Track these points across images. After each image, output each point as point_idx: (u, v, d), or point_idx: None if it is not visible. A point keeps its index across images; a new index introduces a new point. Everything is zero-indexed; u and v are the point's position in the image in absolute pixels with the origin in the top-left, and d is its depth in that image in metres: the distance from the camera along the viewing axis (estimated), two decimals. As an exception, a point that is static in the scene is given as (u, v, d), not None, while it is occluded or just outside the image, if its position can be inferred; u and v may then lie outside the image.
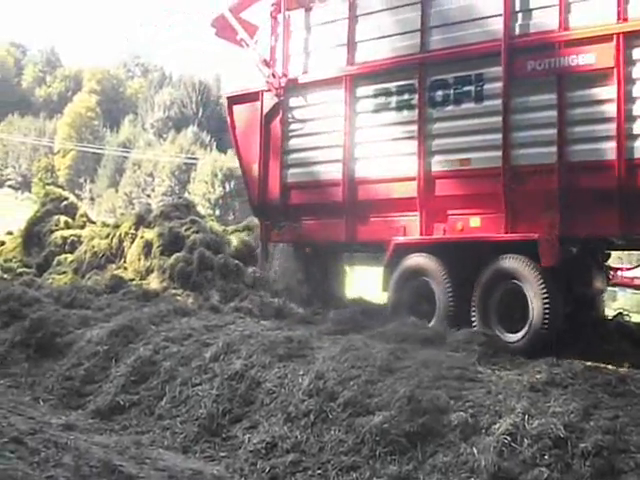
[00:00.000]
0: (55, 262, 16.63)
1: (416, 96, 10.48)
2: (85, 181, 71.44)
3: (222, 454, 7.64)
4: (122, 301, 12.79)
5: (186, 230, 14.97)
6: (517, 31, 9.72)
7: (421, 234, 10.34)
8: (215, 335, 9.88)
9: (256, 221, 15.96)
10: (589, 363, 8.31)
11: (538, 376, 7.63)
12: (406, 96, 10.63)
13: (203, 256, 14.01)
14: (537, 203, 9.41)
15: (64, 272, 15.99)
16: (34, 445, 6.25)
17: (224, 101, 13.31)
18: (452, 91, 10.14)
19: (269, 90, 12.17)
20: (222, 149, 64.91)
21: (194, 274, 13.76)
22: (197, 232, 14.84)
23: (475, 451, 6.44)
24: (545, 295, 9.00)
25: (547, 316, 8.97)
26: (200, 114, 72.49)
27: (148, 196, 63.08)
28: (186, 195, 52.58)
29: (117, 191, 67.53)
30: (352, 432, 7.16)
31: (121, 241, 15.79)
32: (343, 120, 11.23)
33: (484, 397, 7.30)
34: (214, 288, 13.37)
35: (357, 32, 11.30)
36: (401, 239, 10.47)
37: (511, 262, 9.33)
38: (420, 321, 9.71)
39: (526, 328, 9.18)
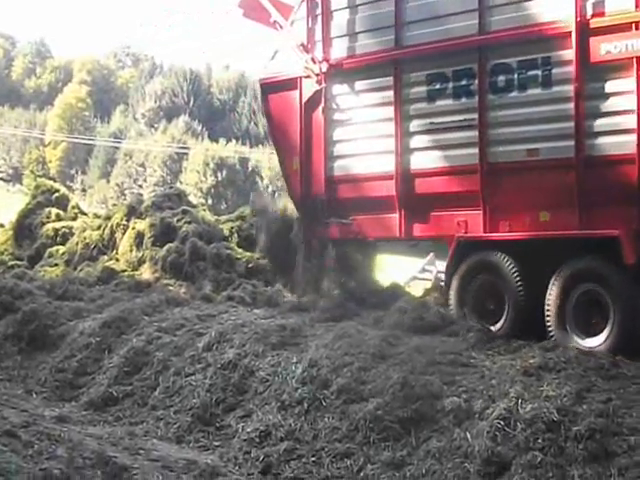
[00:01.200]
0: (47, 254, 16.56)
1: (475, 81, 9.66)
2: (76, 172, 71.18)
3: (216, 443, 7.66)
4: (114, 292, 12.77)
5: (178, 220, 14.91)
6: (590, 11, 8.84)
7: (484, 230, 9.60)
8: (208, 325, 9.87)
9: (249, 209, 16.00)
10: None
11: (531, 361, 7.63)
12: (464, 82, 9.81)
13: (195, 246, 13.97)
14: (613, 196, 8.65)
15: (56, 264, 15.93)
16: (27, 438, 6.24)
17: (258, 88, 12.44)
18: (516, 76, 9.37)
19: (308, 76, 11.17)
20: (213, 138, 64.81)
21: (186, 264, 13.72)
22: (189, 222, 14.78)
23: (469, 436, 6.46)
24: (627, 295, 8.31)
25: (630, 318, 8.25)
26: (191, 103, 72.20)
27: (140, 186, 62.92)
28: (178, 185, 52.38)
29: (109, 182, 67.31)
30: (346, 419, 7.18)
31: (113, 232, 15.72)
32: (393, 108, 10.34)
33: (477, 382, 7.32)
34: (207, 278, 13.34)
35: (407, 12, 10.31)
36: (465, 235, 9.68)
37: (588, 261, 8.65)
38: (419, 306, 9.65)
39: (607, 332, 8.38)
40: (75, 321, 10.90)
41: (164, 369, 9.01)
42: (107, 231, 15.85)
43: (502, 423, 6.39)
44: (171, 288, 13.06)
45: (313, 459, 6.91)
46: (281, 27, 11.49)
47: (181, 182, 58.26)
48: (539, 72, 9.15)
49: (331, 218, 11.06)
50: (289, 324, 9.37)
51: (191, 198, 37.22)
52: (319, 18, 11.19)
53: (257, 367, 8.42)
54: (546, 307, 8.75)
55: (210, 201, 56.74)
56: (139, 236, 15.01)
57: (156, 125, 70.59)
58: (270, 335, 8.95)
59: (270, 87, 11.86)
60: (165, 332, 9.80)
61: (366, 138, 10.73)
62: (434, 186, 10.07)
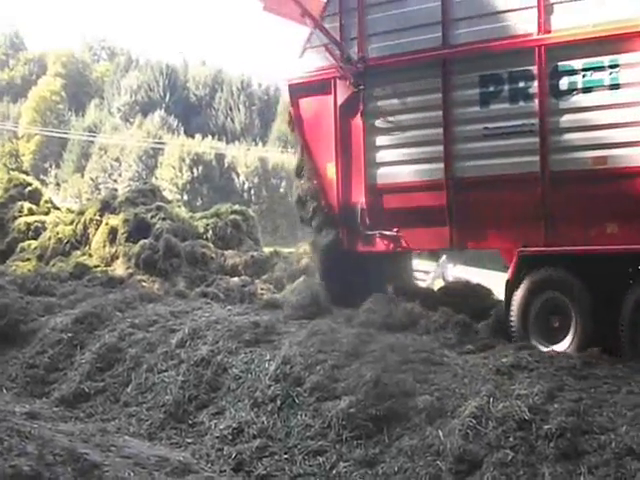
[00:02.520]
0: (19, 249, 16.45)
1: (535, 84, 8.96)
2: (50, 166, 70.45)
3: (188, 440, 7.63)
4: (87, 288, 12.70)
5: (152, 217, 14.87)
6: None
7: (545, 242, 8.95)
8: (181, 321, 9.83)
9: (225, 206, 15.93)
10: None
11: (504, 359, 7.68)
12: (522, 84, 9.10)
13: (169, 243, 13.94)
14: None
15: (28, 259, 15.83)
16: (-3, 434, 6.17)
17: (286, 91, 11.11)
18: (580, 79, 8.71)
19: (343, 77, 10.33)
20: (189, 133, 64.38)
21: (160, 261, 13.67)
22: (163, 219, 14.74)
23: (441, 434, 6.47)
24: None
25: None
26: (167, 98, 71.74)
27: (115, 181, 62.41)
28: (153, 180, 52.12)
29: (83, 176, 66.70)
30: (319, 417, 7.18)
31: (86, 227, 15.64)
32: (442, 112, 9.61)
33: (450, 380, 7.35)
34: (180, 275, 13.30)
35: (455, 8, 9.56)
36: (528, 249, 8.95)
37: None
38: (392, 303, 9.63)
39: None
40: (47, 316, 10.82)
41: (137, 365, 8.96)
42: (80, 226, 15.77)
43: (474, 421, 6.41)
44: (144, 284, 13.03)
45: (286, 456, 6.90)
46: (312, 23, 10.49)
47: (156, 177, 57.94)
48: (605, 75, 8.55)
49: (374, 229, 10.28)
50: (263, 321, 9.35)
51: (166, 194, 37.03)
52: (354, 13, 10.34)
53: (230, 364, 8.40)
54: (620, 327, 8.18)
55: (186, 197, 56.39)
56: (112, 232, 14.95)
57: (131, 119, 70.02)
58: (244, 332, 8.92)
59: (299, 89, 10.92)
60: (138, 328, 9.75)
61: (411, 144, 10.02)
62: (489, 196, 9.39)
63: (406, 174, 10.01)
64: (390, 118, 10.11)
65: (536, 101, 8.99)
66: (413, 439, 6.59)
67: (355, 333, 8.41)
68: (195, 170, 59.31)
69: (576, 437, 6.05)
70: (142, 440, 7.62)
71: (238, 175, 60.90)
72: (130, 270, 13.80)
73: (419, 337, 8.64)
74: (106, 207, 15.74)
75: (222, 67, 75.54)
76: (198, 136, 62.94)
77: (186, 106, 71.51)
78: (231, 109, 70.43)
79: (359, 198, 10.35)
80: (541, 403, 6.50)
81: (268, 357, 8.26)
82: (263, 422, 7.34)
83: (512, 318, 8.81)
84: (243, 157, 61.68)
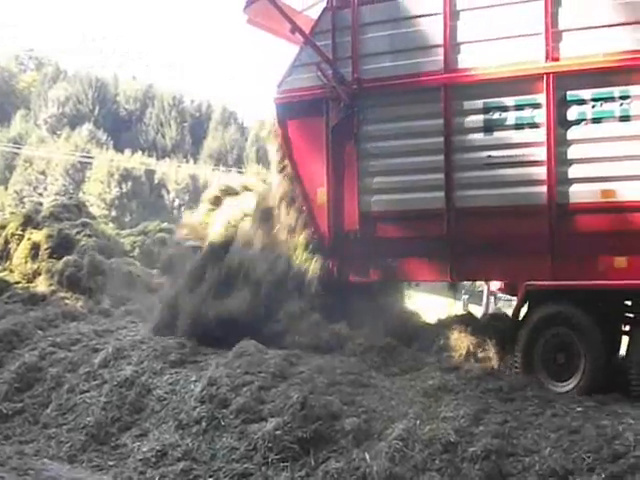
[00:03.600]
0: (-64, 263, 15.86)
1: (542, 113, 8.64)
2: (-28, 178, 68.77)
3: (110, 463, 7.48)
4: (7, 305, 12.31)
5: (77, 233, 14.52)
6: None
7: (552, 276, 8.60)
8: (105, 340, 9.65)
9: (152, 224, 15.68)
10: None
11: (430, 382, 7.72)
12: (528, 113, 8.77)
13: (94, 261, 13.61)
14: None
15: (-54, 274, 15.27)
16: None
17: (273, 109, 10.42)
18: (590, 109, 8.44)
19: (336, 98, 9.74)
20: (119, 148, 63.57)
21: (84, 279, 13.35)
22: (89, 235, 14.41)
23: (367, 457, 6.47)
24: None
25: None
26: (96, 112, 70.75)
27: (40, 195, 61.08)
28: (81, 195, 51.23)
29: (7, 189, 65.19)
30: (244, 439, 7.11)
31: (7, 242, 15.13)
32: (443, 138, 9.17)
33: (377, 403, 7.36)
34: (105, 293, 13.03)
35: (458, 31, 9.12)
36: (535, 283, 8.59)
37: None
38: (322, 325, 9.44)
39: None
40: (-36, 334, 10.44)
41: (57, 386, 8.77)
42: (1, 240, 15.27)
43: (400, 444, 6.44)
44: (68, 302, 12.69)
45: (210, 479, 6.79)
46: (303, 39, 9.93)
47: (84, 192, 56.96)
48: (616, 106, 8.28)
49: (367, 259, 9.75)
50: (189, 341, 9.20)
51: (94, 209, 36.31)
52: (347, 32, 9.82)
53: (155, 385, 8.28)
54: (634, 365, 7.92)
55: (114, 213, 55.62)
56: (35, 247, 14.50)
57: (59, 132, 68.81)
58: (169, 352, 8.81)
59: (288, 108, 10.22)
60: (60, 347, 9.56)
61: (409, 171, 9.48)
62: (492, 226, 8.96)
63: (403, 202, 9.52)
64: (385, 143, 9.62)
65: (543, 130, 8.66)
66: (340, 462, 6.57)
67: (282, 354, 8.35)
68: (124, 186, 58.55)
69: (501, 459, 6.14)
70: (62, 463, 7.48)
71: (168, 192, 60.38)
72: (53, 287, 13.43)
73: (346, 359, 8.61)
74: (29, 221, 15.27)
75: (153, 82, 74.99)
76: (128, 151, 62.20)
77: (116, 120, 70.62)
78: (162, 125, 69.85)
79: (352, 226, 9.80)
80: (467, 425, 6.57)
81: (194, 378, 8.17)
82: (188, 444, 7.23)
83: (517, 356, 8.48)
84: (174, 174, 61.18)
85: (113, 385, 8.36)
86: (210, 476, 6.85)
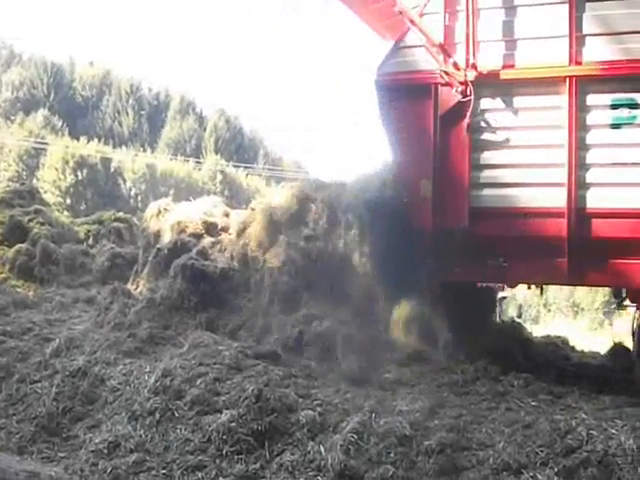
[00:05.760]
0: None
1: None
2: None
3: (61, 454, 7.34)
4: (-46, 292, 12.06)
5: (29, 220, 14.27)
6: None
7: None
8: (57, 329, 9.54)
9: (108, 213, 15.45)
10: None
11: (387, 375, 7.73)
12: None
13: (47, 249, 13.39)
14: None
15: None
16: None
17: (375, 89, 9.62)
18: None
19: (447, 84, 9.12)
20: (74, 135, 62.63)
21: (37, 267, 13.13)
22: (42, 223, 14.19)
23: (322, 449, 6.45)
24: None
25: None
26: (52, 97, 69.59)
27: (-8, 181, 60.06)
28: (35, 182, 50.38)
29: (-42, 175, 63.99)
30: (199, 431, 7.03)
31: (-45, 229, 14.85)
32: (567, 133, 8.57)
33: (333, 396, 7.35)
34: (58, 282, 12.83)
35: (585, 23, 8.54)
36: None
37: None
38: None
39: None
40: None
41: (7, 375, 8.59)
42: (-51, 227, 14.96)
43: (356, 437, 6.42)
44: (19, 290, 12.47)
45: (164, 472, 6.72)
46: (411, 21, 9.26)
47: (38, 179, 56.01)
48: None
49: (475, 257, 9.06)
50: (144, 331, 9.10)
51: (49, 196, 35.70)
52: (461, 15, 9.20)
53: (108, 375, 8.16)
54: None
55: (69, 201, 54.83)
56: (-16, 234, 14.25)
57: (12, 117, 67.59)
58: (123, 342, 8.70)
59: (391, 91, 9.53)
60: (10, 336, 9.40)
61: (528, 166, 8.92)
62: (617, 229, 8.46)
63: (519, 198, 8.94)
64: (502, 134, 9.05)
65: None
66: (294, 454, 6.55)
67: (238, 346, 8.29)
68: (79, 173, 57.74)
69: (455, 453, 6.18)
70: (11, 454, 7.29)
71: (125, 181, 59.70)
72: (4, 275, 13.20)
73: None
74: (-21, 208, 15.01)
75: (111, 68, 73.94)
76: (83, 138, 61.32)
77: (72, 107, 69.52)
78: (119, 112, 68.99)
79: (459, 221, 9.12)
80: (422, 419, 6.59)
81: (148, 369, 8.06)
82: (141, 436, 7.14)
83: None
84: (130, 162, 60.47)
85: (65, 375, 8.22)
86: (163, 468, 6.75)
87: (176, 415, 7.28)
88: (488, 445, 6.24)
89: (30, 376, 8.42)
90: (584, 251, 8.58)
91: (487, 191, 9.03)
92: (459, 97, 9.03)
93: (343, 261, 10.01)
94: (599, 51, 8.47)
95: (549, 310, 35.87)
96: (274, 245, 10.41)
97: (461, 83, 8.97)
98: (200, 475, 6.58)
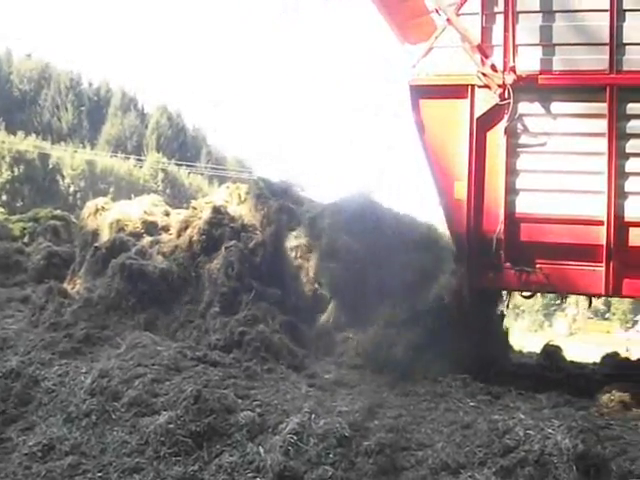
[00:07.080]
0: None
1: None
2: None
3: (-7, 458, 7.15)
4: None
5: (-40, 216, 13.94)
6: None
7: None
8: (-10, 329, 9.26)
9: (44, 210, 15.17)
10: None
11: (326, 376, 7.74)
12: None
13: (-22, 246, 13.09)
14: None
15: None
16: None
17: (407, 91, 9.49)
18: None
19: (485, 86, 8.99)
20: (11, 130, 61.41)
21: (-33, 266, 12.83)
22: (-27, 220, 13.85)
23: (261, 450, 6.42)
24: None
25: None
26: (-12, 91, 68.19)
27: None
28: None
29: None
30: (136, 433, 6.93)
31: None
32: (606, 141, 8.49)
33: (272, 396, 7.33)
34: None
35: (625, 32, 8.39)
36: None
37: None
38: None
39: None
40: None
41: None
42: None
43: (295, 438, 6.40)
44: (-53, 289, 12.15)
45: (100, 474, 6.59)
46: (448, 19, 9.15)
47: (-28, 174, 54.81)
48: None
49: (511, 264, 8.96)
50: (80, 331, 8.96)
51: (-18, 192, 34.78)
52: (499, 18, 9.06)
53: (43, 377, 7.99)
54: None
55: (5, 197, 53.73)
56: None
57: (-54, 111, 65.98)
58: (58, 343, 8.54)
59: (425, 91, 9.38)
60: (-62, 337, 9.07)
61: (566, 172, 8.80)
62: None
63: (555, 205, 8.81)
64: (540, 139, 8.91)
65: None
66: (233, 455, 6.49)
67: (177, 347, 8.21)
68: (16, 169, 56.61)
69: (395, 453, 6.20)
70: (-60, 459, 7.06)
71: (63, 177, 58.72)
72: None
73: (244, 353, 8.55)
74: None
75: (50, 61, 72.62)
76: (21, 133, 60.14)
77: (8, 100, 68.04)
78: (58, 107, 67.87)
79: (494, 226, 8.99)
80: (362, 420, 6.61)
81: (84, 370, 7.94)
82: (76, 438, 7.01)
83: None
84: (69, 159, 59.51)
85: (-2, 376, 8.03)
86: (99, 471, 6.63)
87: (113, 417, 7.17)
88: (427, 445, 6.28)
89: (-39, 378, 8.20)
90: (622, 261, 8.53)
91: (523, 197, 8.93)
92: (497, 100, 8.90)
93: (288, 266, 10.15)
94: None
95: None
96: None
97: (499, 86, 8.85)
98: (137, 478, 6.46)
